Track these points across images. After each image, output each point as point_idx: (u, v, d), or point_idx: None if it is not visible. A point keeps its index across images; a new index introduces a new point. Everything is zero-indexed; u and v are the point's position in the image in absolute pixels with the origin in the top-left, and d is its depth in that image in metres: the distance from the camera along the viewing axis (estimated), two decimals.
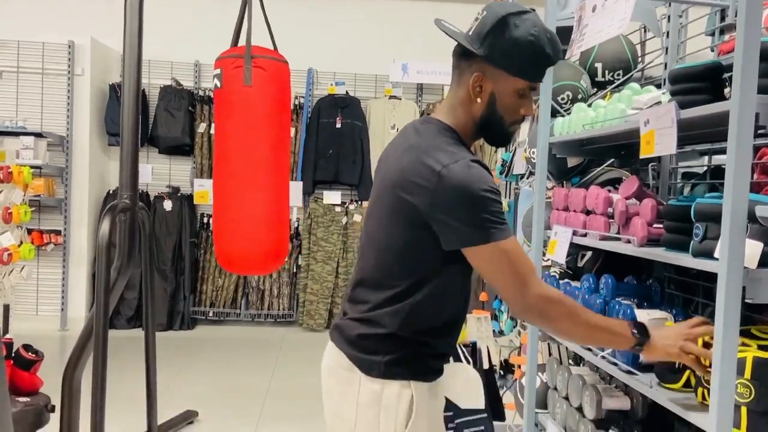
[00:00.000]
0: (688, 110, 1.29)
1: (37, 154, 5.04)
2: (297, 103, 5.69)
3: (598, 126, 1.70)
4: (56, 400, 2.76)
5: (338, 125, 5.62)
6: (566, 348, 2.26)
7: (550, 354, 2.37)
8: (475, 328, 1.43)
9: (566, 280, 2.05)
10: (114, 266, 2.61)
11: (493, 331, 3.96)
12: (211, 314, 5.70)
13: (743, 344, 1.22)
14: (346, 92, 5.74)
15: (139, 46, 2.61)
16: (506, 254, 1.21)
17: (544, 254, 2.11)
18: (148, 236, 2.80)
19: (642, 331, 1.29)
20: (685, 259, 1.30)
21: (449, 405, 1.34)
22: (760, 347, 1.23)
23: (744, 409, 1.16)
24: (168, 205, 5.51)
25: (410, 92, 5.88)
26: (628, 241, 1.60)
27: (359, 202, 5.71)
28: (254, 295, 5.73)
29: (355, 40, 5.83)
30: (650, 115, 1.41)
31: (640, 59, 2.18)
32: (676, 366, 1.40)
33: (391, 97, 5.74)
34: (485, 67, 1.28)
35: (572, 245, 1.92)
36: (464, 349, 1.46)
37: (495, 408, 1.51)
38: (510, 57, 1.26)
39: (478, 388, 1.42)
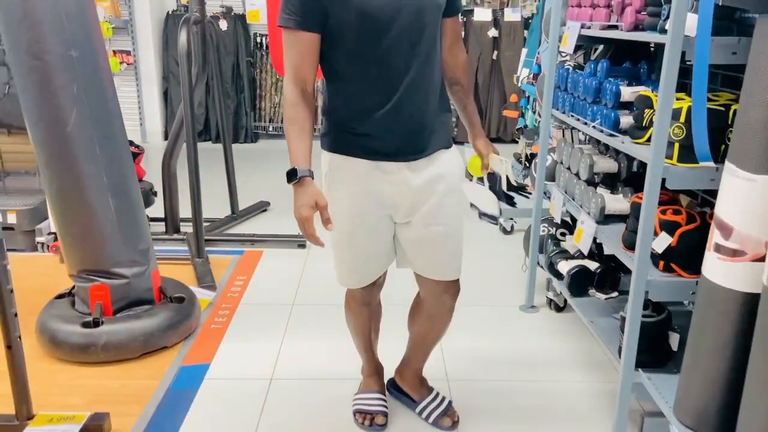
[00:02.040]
0: None
1: None
2: None
3: None
4: (157, 188, 3.41)
5: None
6: (577, 131, 2.66)
7: (564, 138, 2.78)
8: (498, 167, 1.71)
9: (577, 71, 2.39)
10: (193, 71, 3.07)
11: (520, 128, 4.37)
12: (270, 129, 6.26)
13: (680, 99, 1.59)
14: None
15: None
16: (284, 43, 1.48)
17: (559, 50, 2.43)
18: (216, 46, 3.22)
19: (292, 173, 1.44)
20: (654, 37, 1.64)
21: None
22: None
23: (676, 145, 1.57)
24: (224, 24, 5.82)
25: None
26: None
27: None
28: None
29: None
30: None
31: None
32: (644, 124, 1.79)
33: None
34: None
35: (584, 38, 2.24)
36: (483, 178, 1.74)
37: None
38: None
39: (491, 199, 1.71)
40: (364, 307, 1.85)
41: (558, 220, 2.55)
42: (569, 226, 2.66)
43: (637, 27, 1.85)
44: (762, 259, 1.28)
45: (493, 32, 5.84)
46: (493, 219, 3.79)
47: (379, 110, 1.51)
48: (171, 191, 3.31)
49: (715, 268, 1.37)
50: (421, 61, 1.51)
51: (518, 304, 2.76)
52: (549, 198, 2.58)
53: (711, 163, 1.51)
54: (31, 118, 2.14)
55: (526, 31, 5.65)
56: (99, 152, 2.16)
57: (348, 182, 1.59)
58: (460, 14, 1.71)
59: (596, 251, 2.46)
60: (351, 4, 1.42)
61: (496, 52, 5.91)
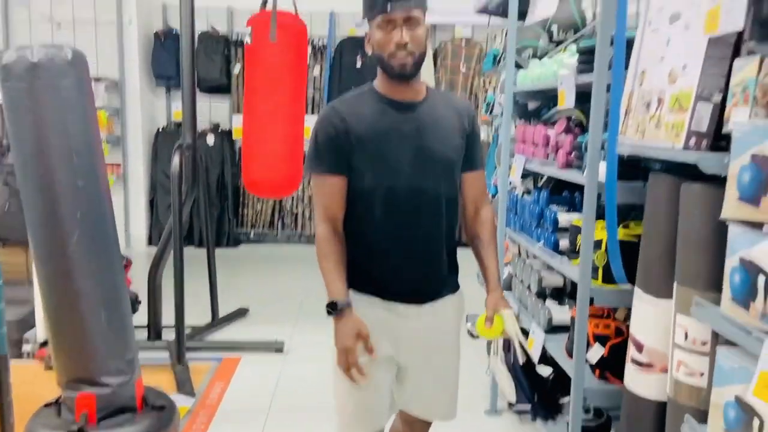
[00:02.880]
0: (580, 76, 1.91)
1: (96, 96, 5.76)
2: (321, 44, 6.26)
3: (537, 82, 2.32)
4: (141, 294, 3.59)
5: (358, 65, 6.19)
6: (526, 248, 2.95)
7: (519, 254, 3.07)
8: (510, 323, 1.61)
9: (525, 196, 2.71)
10: (183, 190, 3.36)
11: None
12: (252, 235, 6.53)
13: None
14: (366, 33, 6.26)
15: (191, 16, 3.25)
16: (314, 186, 1.65)
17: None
18: (205, 170, 3.54)
19: (332, 306, 1.52)
20: (578, 177, 1.96)
21: None
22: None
23: (600, 269, 1.84)
24: (211, 139, 6.23)
25: None
26: None
27: None
28: (289, 217, 6.52)
29: None
30: (562, 79, 2.03)
31: (589, 19, 2.74)
32: (576, 249, 2.07)
33: None
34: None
35: (529, 170, 2.58)
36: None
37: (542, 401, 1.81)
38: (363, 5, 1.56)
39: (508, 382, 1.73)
40: None
41: None
42: (527, 332, 2.89)
43: (569, 165, 2.18)
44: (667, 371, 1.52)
45: None
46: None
47: (391, 255, 1.60)
48: (156, 300, 3.49)
49: (632, 378, 1.60)
50: (434, 210, 1.60)
51: (483, 408, 2.92)
52: None
53: (628, 285, 1.78)
54: (35, 237, 2.37)
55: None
56: (96, 269, 2.38)
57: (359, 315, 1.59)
58: (481, 170, 1.74)
59: (551, 357, 2.68)
60: (367, 150, 1.56)
61: None
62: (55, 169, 2.29)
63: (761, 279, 1.04)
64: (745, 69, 1.20)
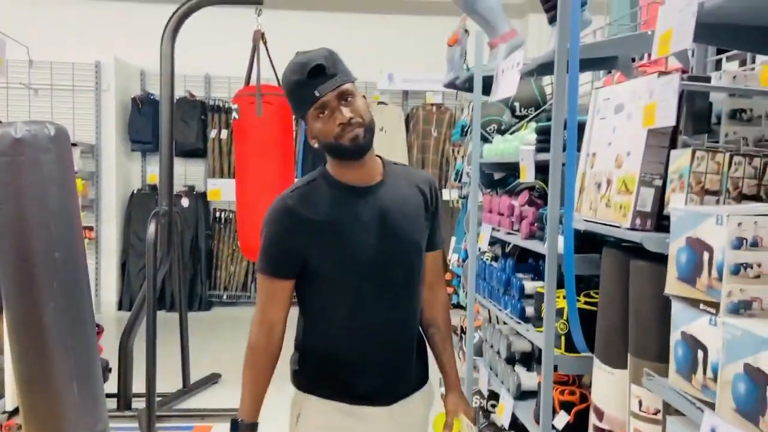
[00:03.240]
0: (539, 154, 2.05)
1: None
2: None
3: (501, 156, 2.46)
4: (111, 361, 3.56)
5: None
6: (495, 314, 3.04)
7: (490, 319, 3.15)
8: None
9: (493, 263, 2.82)
10: (157, 256, 3.39)
11: (453, 304, 4.77)
12: (224, 297, 6.51)
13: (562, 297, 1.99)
14: None
15: (171, 85, 3.37)
16: (258, 284, 1.54)
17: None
18: (180, 233, 3.59)
19: (234, 426, 1.51)
20: (540, 247, 2.07)
21: None
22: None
23: (563, 337, 1.93)
24: (185, 202, 6.29)
25: (396, 98, 6.63)
26: None
27: None
28: None
29: (348, 52, 6.50)
30: (523, 155, 2.17)
31: (548, 97, 2.94)
32: (541, 316, 2.16)
33: (379, 102, 6.49)
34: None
35: (496, 238, 2.70)
36: None
37: None
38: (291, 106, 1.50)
39: None
40: None
41: (486, 394, 2.83)
42: (498, 397, 2.94)
43: (532, 235, 2.30)
44: None
45: None
46: None
47: (357, 350, 1.50)
48: (127, 368, 3.46)
49: None
50: (403, 301, 1.52)
51: None
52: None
53: (590, 354, 1.87)
54: (9, 306, 2.37)
55: None
56: (70, 340, 2.39)
57: (320, 429, 1.52)
58: (441, 249, 1.67)
59: (522, 424, 2.72)
60: (328, 248, 1.45)
61: None
62: (32, 239, 2.33)
63: (700, 353, 1.14)
64: (679, 159, 1.34)
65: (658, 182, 1.44)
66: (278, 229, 1.48)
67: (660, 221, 1.45)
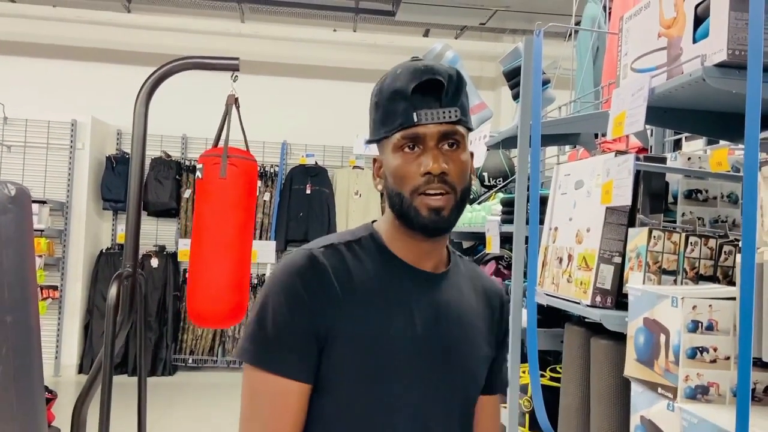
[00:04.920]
0: (504, 226, 2.06)
1: (40, 219, 5.69)
2: (273, 171, 6.48)
3: (469, 225, 2.47)
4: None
5: (308, 191, 6.39)
6: None
7: None
8: None
9: None
10: (117, 320, 3.28)
11: None
12: (190, 361, 6.30)
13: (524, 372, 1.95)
14: (316, 162, 6.55)
15: (142, 150, 3.36)
16: (248, 388, 0.97)
17: None
18: (144, 297, 3.49)
19: None
20: None
21: None
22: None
23: (527, 415, 1.88)
24: (155, 262, 6.17)
25: (371, 163, 6.70)
26: None
27: None
28: (230, 343, 6.36)
29: (324, 117, 6.67)
30: (489, 226, 2.18)
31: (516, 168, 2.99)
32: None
33: (355, 167, 6.55)
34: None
35: None
36: None
37: None
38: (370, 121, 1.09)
39: None
40: None
41: None
42: None
43: None
44: None
45: None
46: None
47: None
48: None
49: None
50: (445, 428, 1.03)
51: None
52: None
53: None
54: None
55: None
56: (16, 410, 2.26)
57: None
58: (501, 395, 1.22)
59: None
60: (356, 329, 0.97)
61: None
62: None
63: None
64: (636, 238, 1.35)
65: (618, 259, 1.45)
66: (296, 295, 0.96)
67: (620, 298, 1.44)
